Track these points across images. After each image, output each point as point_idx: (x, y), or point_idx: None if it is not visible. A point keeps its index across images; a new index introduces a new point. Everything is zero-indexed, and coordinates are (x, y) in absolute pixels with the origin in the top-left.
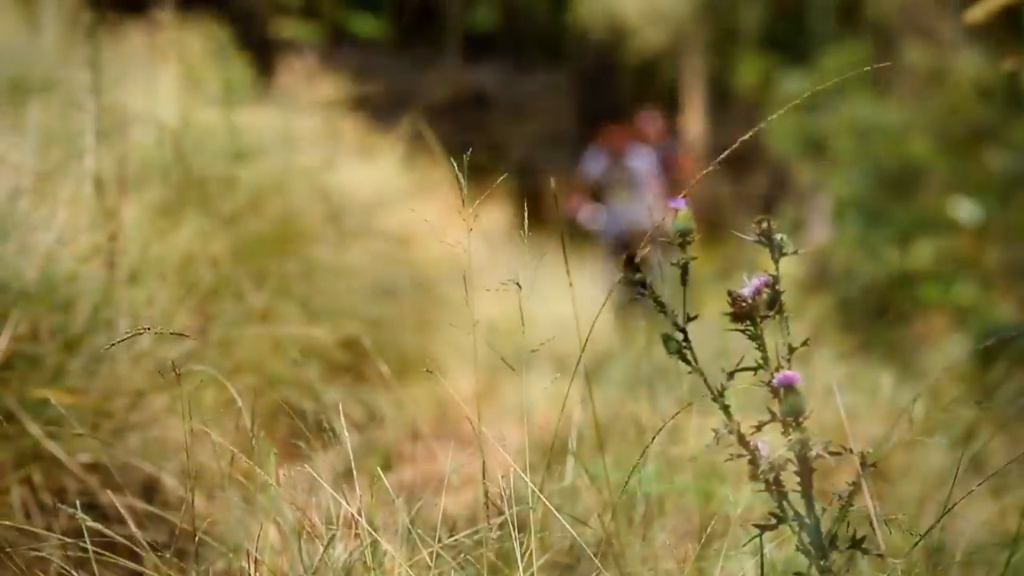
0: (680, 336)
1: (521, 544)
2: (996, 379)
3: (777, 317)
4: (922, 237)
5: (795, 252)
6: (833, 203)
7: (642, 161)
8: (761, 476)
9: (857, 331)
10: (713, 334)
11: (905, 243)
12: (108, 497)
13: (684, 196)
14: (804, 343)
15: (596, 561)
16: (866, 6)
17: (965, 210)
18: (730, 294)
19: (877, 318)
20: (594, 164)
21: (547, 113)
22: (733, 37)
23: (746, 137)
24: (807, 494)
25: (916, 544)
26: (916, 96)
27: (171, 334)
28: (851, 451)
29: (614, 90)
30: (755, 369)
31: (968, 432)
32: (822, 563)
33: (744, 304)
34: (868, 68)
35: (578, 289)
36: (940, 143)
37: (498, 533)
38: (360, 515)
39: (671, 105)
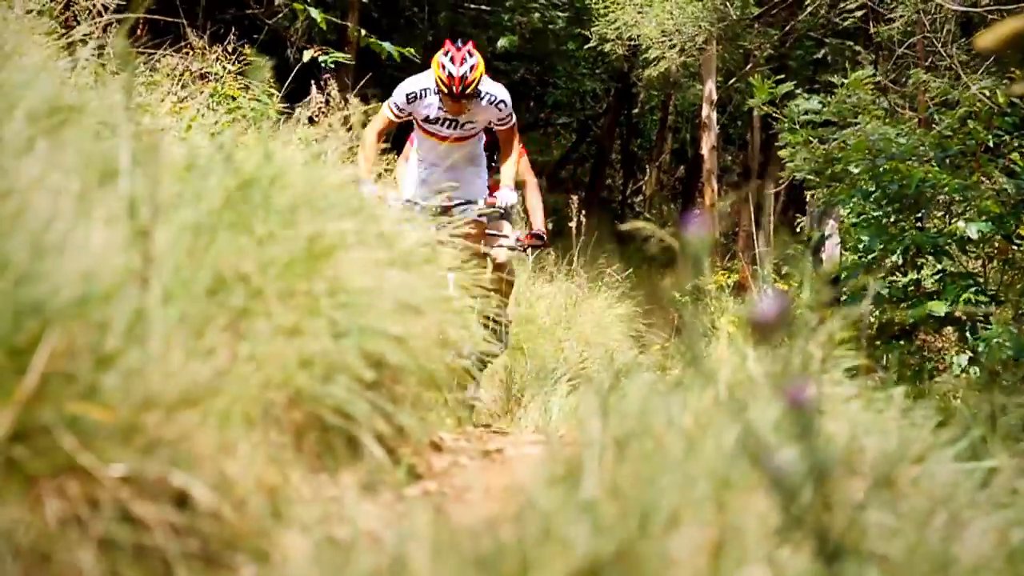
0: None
1: (542, 555)
2: (1004, 394)
3: (792, 333)
4: (930, 255)
5: (810, 271)
6: (844, 222)
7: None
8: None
9: (867, 347)
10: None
11: (913, 261)
12: (141, 508)
13: (701, 216)
14: (816, 358)
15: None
16: (877, 31)
17: (972, 229)
18: (746, 311)
19: (887, 335)
20: None
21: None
22: (747, 59)
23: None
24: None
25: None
26: (925, 119)
27: (202, 351)
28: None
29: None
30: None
31: (977, 447)
32: (834, 572)
33: (761, 321)
34: (879, 90)
35: (604, 306)
36: (947, 164)
37: (520, 544)
38: (386, 527)
39: (687, 123)
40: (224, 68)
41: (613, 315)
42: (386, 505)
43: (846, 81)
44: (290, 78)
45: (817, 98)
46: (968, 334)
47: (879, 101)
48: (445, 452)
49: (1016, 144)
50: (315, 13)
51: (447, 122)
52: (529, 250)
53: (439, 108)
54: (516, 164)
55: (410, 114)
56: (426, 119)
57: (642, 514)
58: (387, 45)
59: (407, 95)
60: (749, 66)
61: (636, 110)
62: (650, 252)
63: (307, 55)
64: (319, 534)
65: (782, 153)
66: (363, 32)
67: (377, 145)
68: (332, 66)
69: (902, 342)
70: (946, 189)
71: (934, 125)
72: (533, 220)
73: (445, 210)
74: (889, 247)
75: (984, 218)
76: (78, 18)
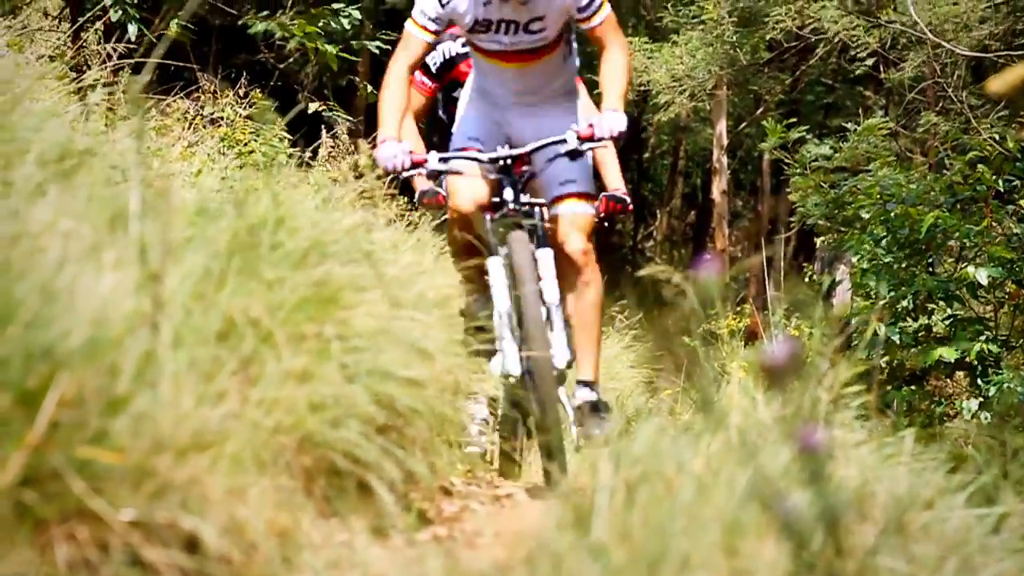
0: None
1: None
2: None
3: (803, 378)
4: (941, 300)
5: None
6: (855, 268)
7: None
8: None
9: (878, 392)
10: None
11: (924, 306)
12: (151, 553)
13: (713, 261)
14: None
15: None
16: (887, 76)
17: (982, 274)
18: (757, 356)
19: (897, 379)
20: None
21: None
22: (757, 104)
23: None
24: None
25: None
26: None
27: (212, 395)
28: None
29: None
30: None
31: (988, 492)
32: None
33: (772, 366)
34: (889, 135)
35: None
36: (958, 209)
37: None
38: (396, 572)
39: (697, 167)
40: (235, 112)
41: (624, 359)
42: (396, 550)
43: (858, 128)
44: (294, 117)
45: (828, 143)
46: (979, 379)
47: (890, 146)
48: (455, 497)
49: None
50: (330, 48)
51: (505, 26)
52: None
53: (486, 2)
54: (624, 72)
55: (451, 23)
56: (474, 28)
57: (652, 559)
58: None
59: None
60: (760, 110)
61: (647, 154)
62: (662, 297)
63: (312, 107)
64: None
65: (793, 198)
66: (371, 89)
67: (407, 86)
68: (337, 120)
69: (913, 387)
70: (956, 234)
71: (944, 170)
72: (604, 173)
73: (513, 162)
74: (900, 292)
75: (994, 263)
76: (89, 63)
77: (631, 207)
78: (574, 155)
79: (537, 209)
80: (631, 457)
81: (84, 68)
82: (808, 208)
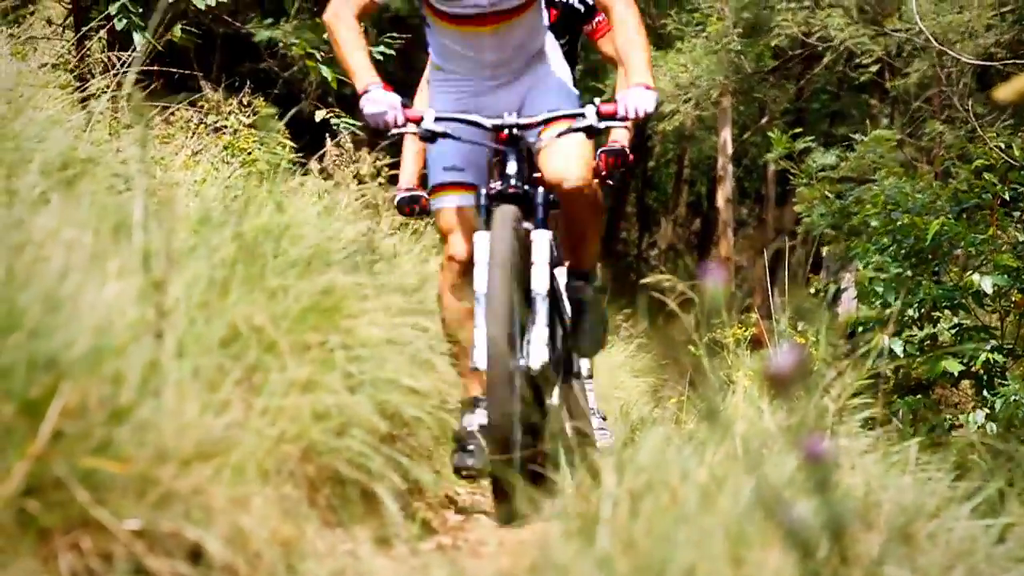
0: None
1: None
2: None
3: (808, 387)
4: (945, 309)
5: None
6: (860, 277)
7: None
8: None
9: (883, 401)
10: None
11: (930, 315)
12: (154, 562)
13: (718, 269)
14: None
15: None
16: (893, 84)
17: (987, 282)
18: (763, 365)
19: (903, 389)
20: None
21: None
22: (762, 112)
23: None
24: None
25: None
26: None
27: (216, 404)
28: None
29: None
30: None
31: (994, 502)
32: None
33: (777, 375)
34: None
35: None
36: (963, 217)
37: None
38: None
39: (702, 176)
40: (239, 121)
41: (628, 368)
42: (401, 560)
43: (865, 138)
44: (299, 125)
45: (834, 152)
46: (986, 388)
47: (896, 156)
48: (460, 506)
49: None
50: (326, 72)
51: None
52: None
53: None
54: (643, 36)
55: None
56: None
57: (657, 569)
58: None
59: None
60: (765, 119)
61: (651, 163)
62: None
63: (319, 115)
64: None
65: (797, 208)
66: None
67: (361, 33)
68: (340, 128)
69: (918, 396)
70: (962, 243)
71: (950, 179)
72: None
73: (520, 132)
74: (905, 301)
75: (1000, 272)
76: (92, 71)
77: (631, 158)
78: (590, 132)
79: (541, 189)
80: (636, 466)
81: (88, 77)
82: (814, 219)
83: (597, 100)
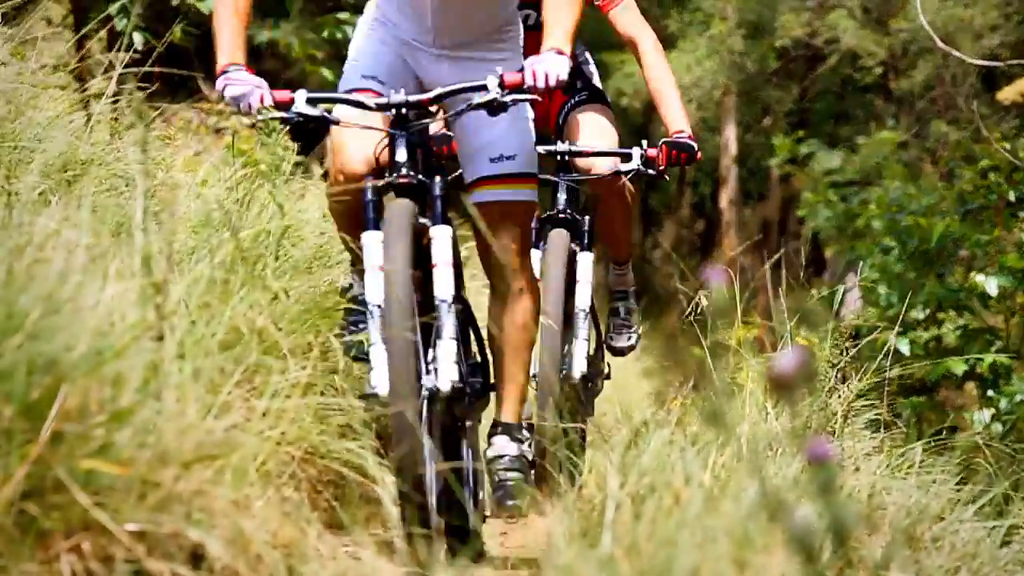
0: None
1: None
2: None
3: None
4: (950, 311)
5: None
6: (864, 278)
7: None
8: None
9: (888, 403)
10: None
11: (934, 316)
12: (155, 565)
13: (721, 270)
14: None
15: None
16: (897, 85)
17: (992, 284)
18: (769, 367)
19: (907, 390)
20: None
21: None
22: (766, 113)
23: None
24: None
25: None
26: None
27: (217, 407)
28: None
29: None
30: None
31: (999, 504)
32: None
33: (782, 377)
34: (899, 145)
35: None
36: (968, 218)
37: None
38: None
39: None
40: (240, 122)
41: (632, 370)
42: (402, 562)
43: (868, 140)
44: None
45: (839, 153)
46: (991, 389)
47: (901, 157)
48: None
49: None
50: (327, 73)
51: None
52: (638, 163)
53: None
54: (569, 8)
55: None
56: None
57: (660, 572)
58: None
59: None
60: (768, 119)
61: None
62: (670, 306)
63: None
64: None
65: (800, 212)
66: None
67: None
68: None
69: (923, 397)
70: (967, 244)
71: (955, 179)
72: (664, 111)
73: (421, 112)
74: (910, 302)
75: (1004, 273)
76: (93, 72)
77: (699, 154)
78: (495, 109)
79: (439, 178)
80: (639, 469)
81: (88, 77)
82: (818, 224)
83: (500, 69)
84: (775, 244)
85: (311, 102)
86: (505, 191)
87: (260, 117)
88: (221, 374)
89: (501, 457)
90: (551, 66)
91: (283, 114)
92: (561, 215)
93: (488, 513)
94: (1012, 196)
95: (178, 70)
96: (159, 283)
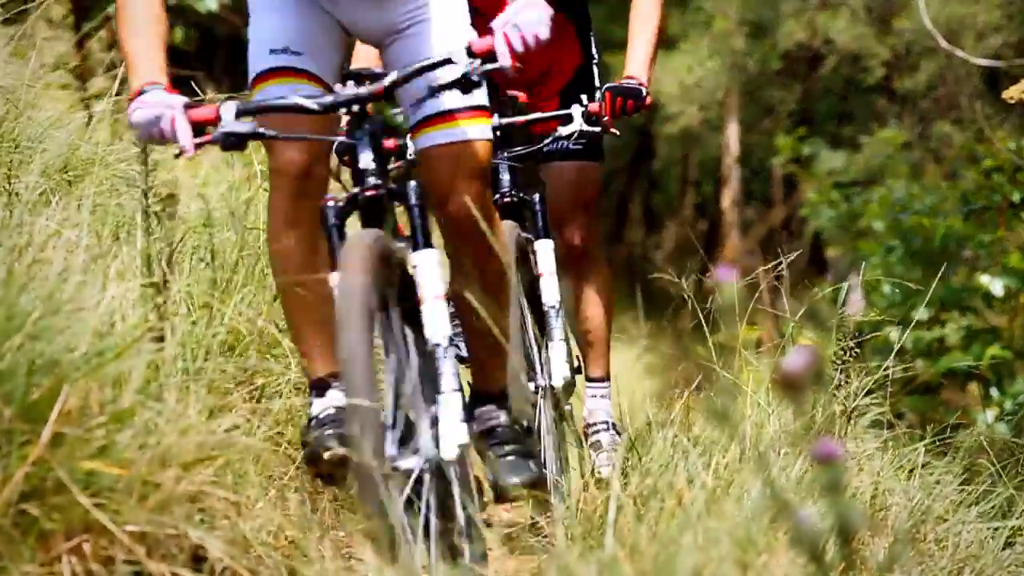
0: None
1: None
2: None
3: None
4: (953, 311)
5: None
6: (867, 278)
7: None
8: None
9: (891, 402)
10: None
11: (938, 316)
12: (156, 566)
13: (725, 270)
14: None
15: None
16: (900, 85)
17: (996, 284)
18: (776, 367)
19: (910, 390)
20: None
21: None
22: (769, 113)
23: None
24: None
25: None
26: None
27: (218, 407)
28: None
29: None
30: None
31: (1003, 505)
32: None
33: (786, 376)
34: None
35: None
36: (972, 219)
37: None
38: None
39: (708, 177)
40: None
41: (634, 371)
42: (403, 564)
43: (871, 140)
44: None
45: (842, 153)
46: (995, 389)
47: (904, 157)
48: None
49: None
50: None
51: None
52: (580, 122)
53: None
54: None
55: None
56: None
57: (663, 574)
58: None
59: None
60: (770, 119)
61: (656, 164)
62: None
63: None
64: None
65: (803, 212)
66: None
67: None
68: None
69: (926, 397)
70: (970, 244)
71: (958, 180)
72: (626, 61)
73: (373, 96)
74: (913, 302)
75: (1008, 273)
76: (93, 71)
77: (648, 100)
78: (468, 86)
79: (413, 183)
80: (642, 469)
81: (89, 77)
82: (821, 224)
83: (463, 36)
84: (777, 245)
85: (242, 114)
86: (455, 129)
87: (179, 150)
88: (222, 375)
89: (495, 429)
90: (525, 18)
91: (204, 140)
92: (506, 199)
93: (487, 500)
94: (1016, 197)
95: (178, 70)
96: (160, 283)
